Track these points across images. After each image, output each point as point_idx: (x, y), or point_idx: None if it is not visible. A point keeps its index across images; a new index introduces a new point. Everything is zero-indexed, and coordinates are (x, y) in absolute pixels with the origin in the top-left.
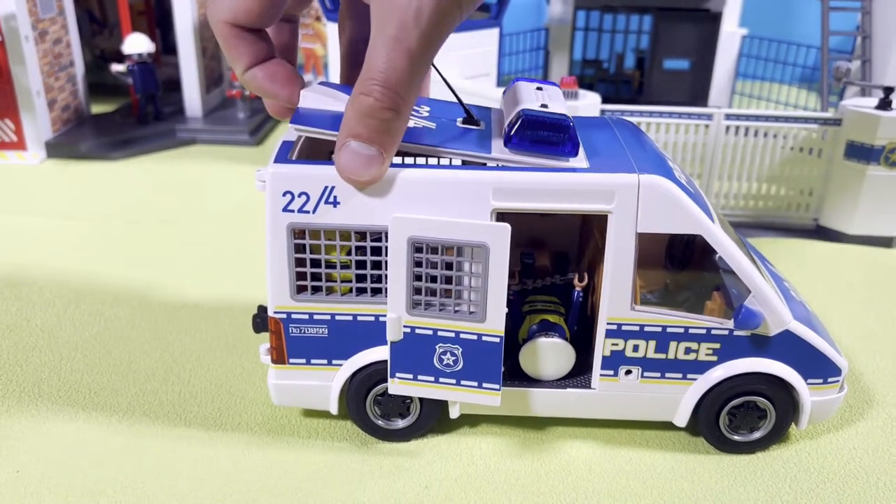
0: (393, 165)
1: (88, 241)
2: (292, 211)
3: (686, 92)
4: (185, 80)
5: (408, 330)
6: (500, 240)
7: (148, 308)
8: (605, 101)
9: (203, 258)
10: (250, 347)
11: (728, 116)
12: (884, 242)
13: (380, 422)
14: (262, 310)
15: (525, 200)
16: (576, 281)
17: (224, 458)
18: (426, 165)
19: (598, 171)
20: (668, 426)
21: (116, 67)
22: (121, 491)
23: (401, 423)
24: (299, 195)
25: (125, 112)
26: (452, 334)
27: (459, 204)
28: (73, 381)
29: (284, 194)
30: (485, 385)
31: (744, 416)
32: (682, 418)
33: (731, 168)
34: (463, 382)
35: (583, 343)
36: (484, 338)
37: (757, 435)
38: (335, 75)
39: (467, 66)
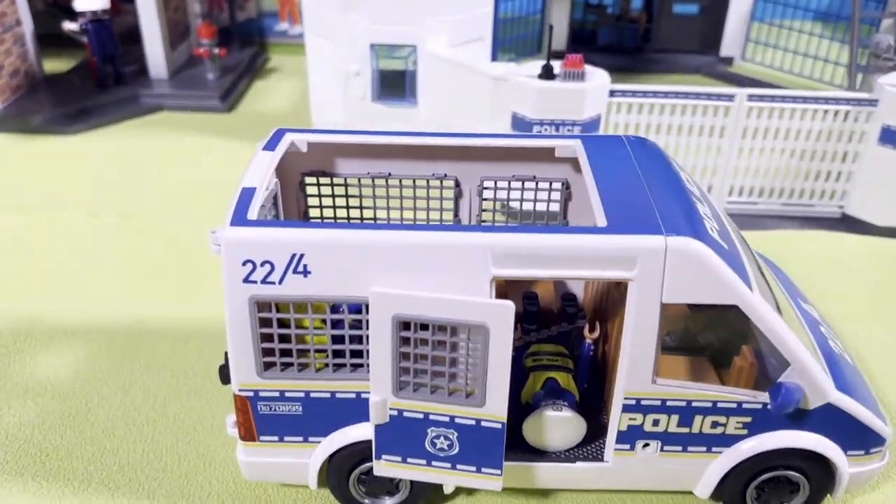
0: (372, 227)
1: (40, 243)
2: (254, 282)
3: (696, 39)
4: (146, 35)
5: (395, 413)
6: (502, 320)
7: (109, 335)
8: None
9: (170, 264)
10: (220, 389)
11: (751, 97)
12: None
13: (366, 500)
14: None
15: (530, 267)
16: (587, 331)
17: None
18: (411, 227)
19: (617, 232)
20: (688, 496)
21: (69, 26)
22: None
23: (388, 501)
24: (262, 264)
25: (82, 73)
26: (447, 418)
27: (452, 272)
28: (21, 439)
29: (244, 263)
30: (484, 470)
31: (774, 491)
32: (704, 491)
33: (750, 153)
34: (459, 466)
35: (594, 400)
36: (483, 423)
37: None
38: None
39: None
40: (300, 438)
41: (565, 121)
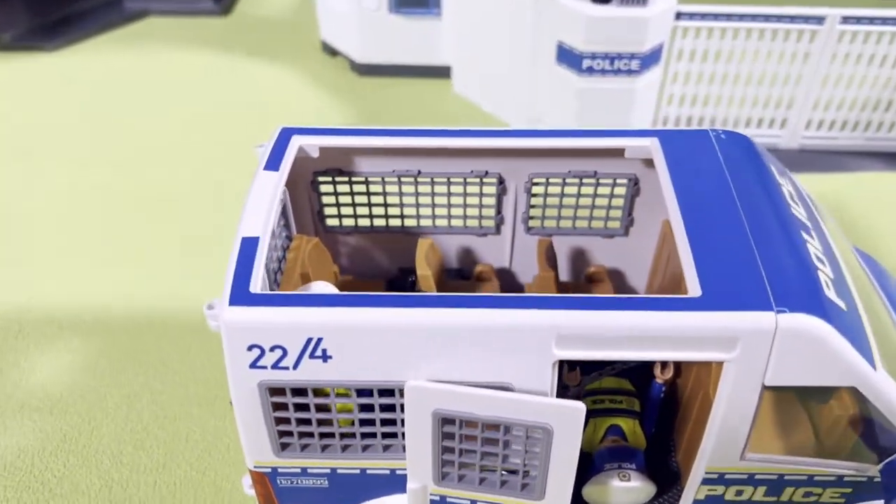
0: (406, 301)
1: (18, 209)
2: (264, 367)
3: None
4: None
5: (437, 499)
6: (570, 423)
7: (106, 330)
8: None
9: (169, 235)
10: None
11: (846, 20)
12: None
13: None
14: None
15: (604, 348)
16: (658, 371)
17: None
18: (455, 301)
19: (714, 307)
20: None
21: None
22: None
23: None
24: (272, 349)
25: None
26: None
27: (506, 355)
28: (22, 470)
29: (251, 348)
30: None
31: None
32: None
33: (837, 82)
34: None
35: (662, 442)
36: None
37: None
38: None
39: None
40: None
41: (622, 53)
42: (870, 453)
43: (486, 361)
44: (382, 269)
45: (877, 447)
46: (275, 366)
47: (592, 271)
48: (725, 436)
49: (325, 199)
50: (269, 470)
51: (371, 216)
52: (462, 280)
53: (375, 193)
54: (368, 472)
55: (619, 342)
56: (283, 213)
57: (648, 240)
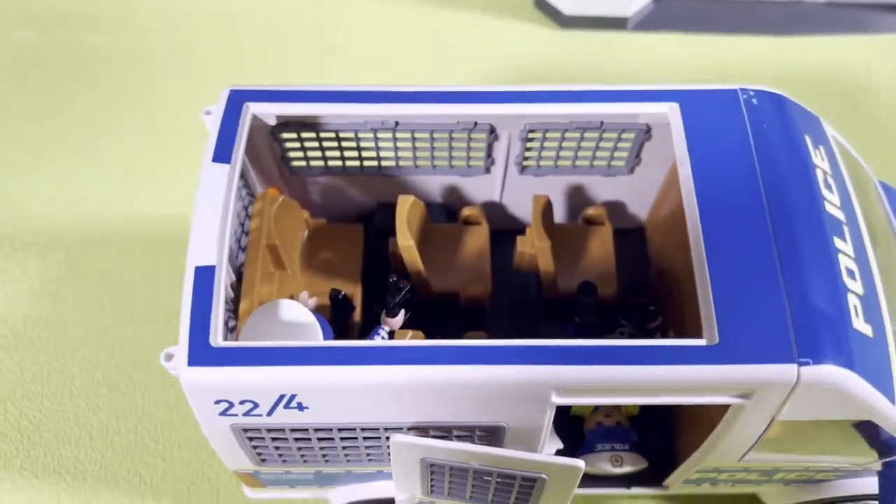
0: (389, 353)
1: None
2: (235, 415)
3: None
4: None
5: (426, 502)
6: (566, 478)
7: (64, 253)
8: None
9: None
10: None
11: None
12: None
13: None
14: None
15: (607, 396)
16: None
17: None
18: (444, 351)
19: (730, 359)
20: None
21: None
22: None
23: None
24: (242, 402)
25: None
26: None
27: (500, 404)
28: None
29: (218, 402)
30: None
31: None
32: (770, 500)
33: None
34: None
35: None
36: None
37: None
38: None
39: None
40: (315, 486)
41: None
42: (870, 451)
43: (479, 409)
44: (358, 206)
45: (878, 446)
46: (247, 413)
47: (591, 213)
48: (725, 449)
49: (289, 145)
50: (252, 471)
51: (343, 159)
52: (448, 223)
53: (347, 139)
54: (354, 472)
55: (624, 393)
56: (242, 175)
57: (654, 177)
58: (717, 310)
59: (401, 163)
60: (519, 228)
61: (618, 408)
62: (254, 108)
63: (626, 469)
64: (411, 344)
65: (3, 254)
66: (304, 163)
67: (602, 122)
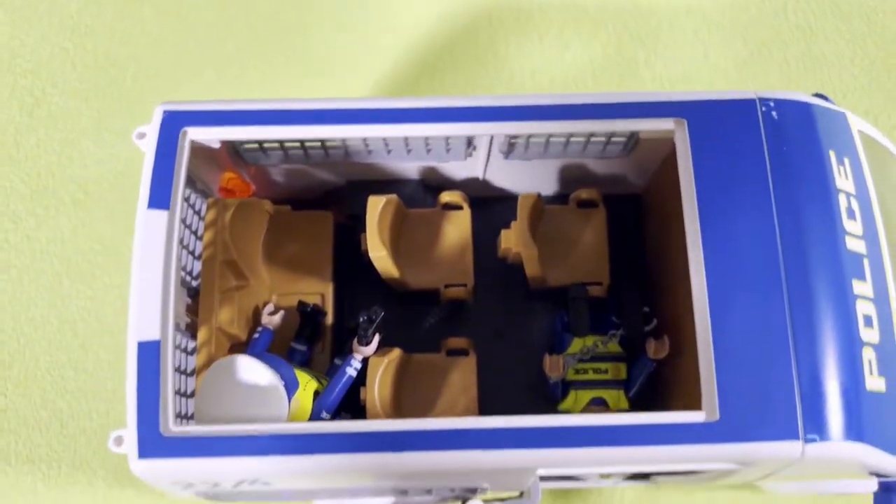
0: (364, 445)
1: None
2: (197, 489)
3: None
4: None
5: None
6: None
7: (6, 216)
8: None
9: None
10: None
11: None
12: None
13: None
14: None
15: (597, 467)
16: (651, 349)
17: None
18: (418, 437)
19: (731, 437)
20: None
21: None
22: None
23: None
24: (202, 482)
25: None
26: None
27: (485, 479)
28: None
29: (175, 484)
30: None
31: None
32: (772, 489)
33: None
34: None
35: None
36: None
37: None
38: None
39: None
40: None
41: None
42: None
43: (461, 481)
44: (326, 184)
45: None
46: (208, 492)
47: (584, 197)
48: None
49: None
50: None
51: (305, 150)
52: (426, 210)
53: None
54: None
55: (614, 467)
56: (189, 178)
57: (652, 155)
58: (719, 384)
59: (370, 147)
60: (503, 196)
61: (608, 407)
62: (192, 134)
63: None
64: (382, 428)
65: None
66: (261, 154)
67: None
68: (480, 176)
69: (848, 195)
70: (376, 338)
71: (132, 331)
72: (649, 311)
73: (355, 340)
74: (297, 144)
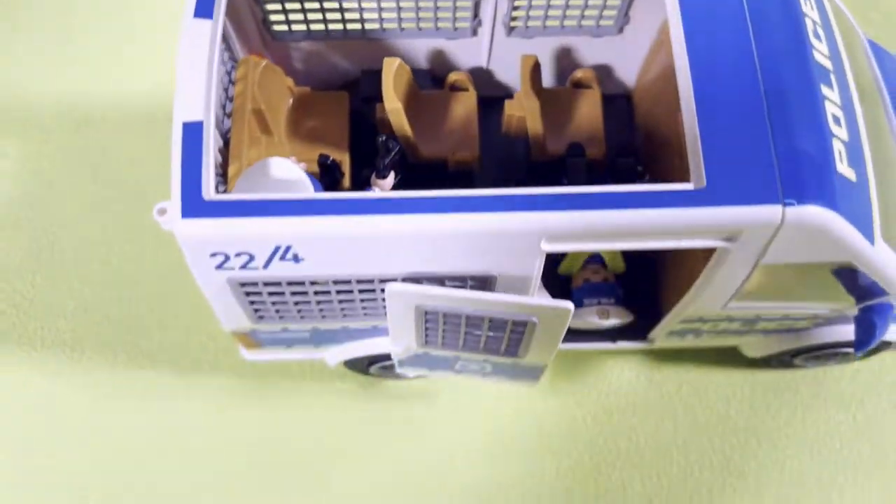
0: (381, 204)
1: None
2: (231, 269)
3: None
4: None
5: (421, 353)
6: (555, 320)
7: (41, 132)
8: None
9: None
10: None
11: None
12: None
13: (389, 380)
14: None
15: (595, 241)
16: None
17: (204, 424)
18: (435, 202)
19: (716, 202)
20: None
21: None
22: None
23: (411, 374)
24: (237, 255)
25: None
26: (481, 358)
27: (490, 253)
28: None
29: (213, 255)
30: (520, 381)
31: (823, 357)
32: (752, 353)
33: None
34: (493, 379)
35: (640, 266)
36: (522, 364)
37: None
38: None
39: None
40: (311, 346)
41: None
42: (849, 297)
43: (470, 258)
44: (342, 74)
45: (856, 292)
46: (243, 267)
47: (580, 76)
48: (709, 296)
49: (270, 7)
50: (249, 330)
51: (326, 21)
52: (434, 90)
53: (329, 0)
54: (350, 327)
55: (612, 238)
56: (223, 35)
57: (643, 38)
58: (704, 154)
59: (385, 25)
60: (507, 94)
61: (604, 265)
62: None
63: (613, 321)
64: (404, 195)
65: None
66: (285, 27)
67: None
68: (485, 64)
69: (814, 22)
70: (392, 174)
71: (177, 113)
72: (643, 169)
73: (373, 175)
74: (319, 17)
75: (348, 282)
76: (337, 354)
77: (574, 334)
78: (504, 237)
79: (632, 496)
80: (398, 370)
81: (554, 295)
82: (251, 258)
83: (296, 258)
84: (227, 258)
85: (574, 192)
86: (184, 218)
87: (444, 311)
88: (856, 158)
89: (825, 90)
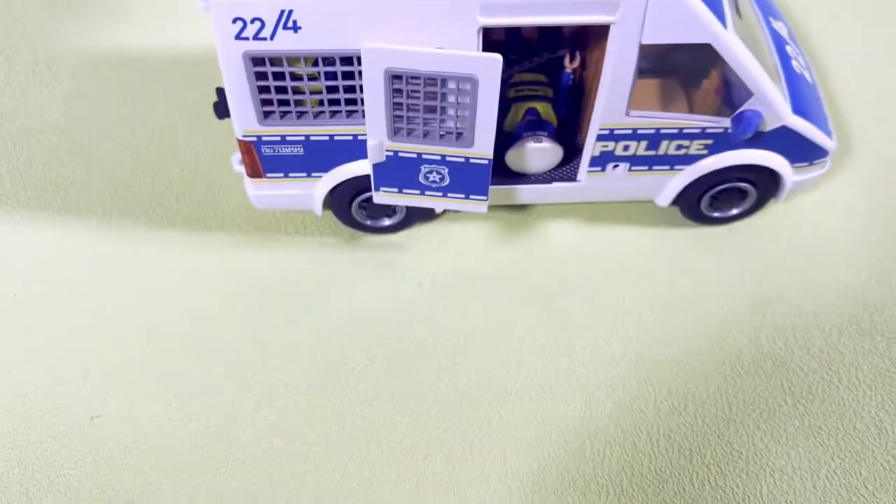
0: None
1: None
2: (246, 38)
3: None
4: None
5: (390, 153)
6: (490, 72)
7: (92, 71)
8: None
9: None
10: (214, 119)
11: None
12: None
13: (367, 221)
14: (222, 92)
15: (516, 14)
16: (567, 62)
17: (219, 265)
18: None
19: None
20: (648, 203)
21: None
22: (122, 306)
23: (387, 222)
24: (252, 21)
25: None
26: (438, 157)
27: (440, 23)
28: (35, 177)
29: (235, 21)
30: (472, 197)
31: (725, 198)
32: (664, 200)
33: None
34: (450, 195)
35: (571, 123)
36: (472, 160)
37: (735, 212)
38: None
39: None
40: (304, 174)
41: None
42: (725, 109)
43: (423, 31)
44: None
45: (730, 104)
46: (255, 37)
47: None
48: (614, 93)
49: None
50: (255, 138)
51: None
52: None
53: None
54: (336, 137)
55: (528, 8)
56: None
57: None
58: None
59: None
60: None
61: (539, 117)
62: None
63: (546, 145)
64: None
65: (41, 68)
66: None
67: None
68: None
69: None
70: None
71: None
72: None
73: None
74: None
75: (334, 62)
76: (324, 185)
77: (515, 177)
78: (447, 3)
79: (573, 315)
80: (375, 200)
81: (499, 145)
82: (262, 25)
83: (295, 26)
84: (244, 25)
85: None
86: None
87: (407, 73)
88: None
89: None
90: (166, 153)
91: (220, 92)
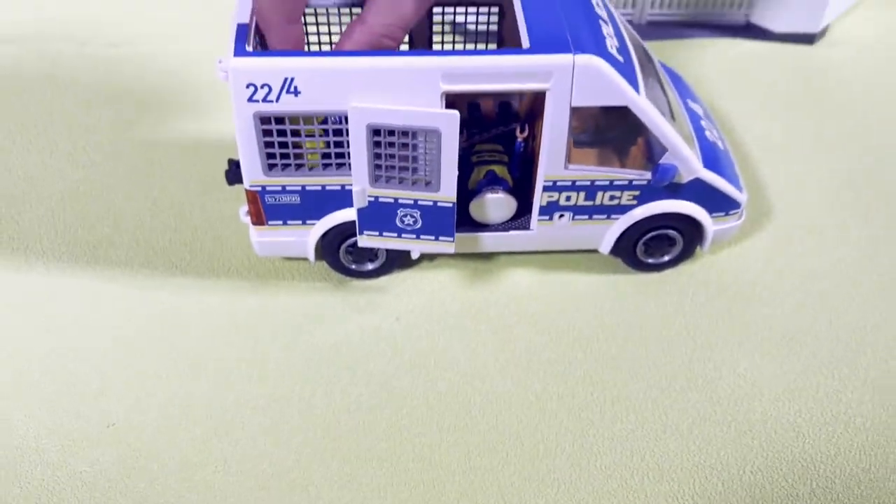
0: (346, 54)
1: (35, 74)
2: (257, 101)
3: None
4: None
5: (372, 199)
6: (450, 125)
7: (121, 151)
8: None
9: (164, 89)
10: (224, 190)
11: None
12: (806, 39)
13: (352, 266)
14: (233, 163)
15: (472, 82)
16: (518, 132)
17: (226, 305)
18: (379, 53)
19: (537, 52)
20: (594, 253)
21: None
22: (140, 337)
23: (370, 266)
24: (262, 87)
25: None
26: (411, 201)
27: (412, 88)
28: (69, 236)
29: (248, 86)
30: (441, 238)
31: (657, 245)
32: (605, 248)
33: None
34: (422, 237)
35: (524, 184)
36: (439, 203)
37: (667, 258)
38: None
39: None
40: (299, 221)
41: None
42: (648, 165)
43: (398, 96)
44: None
45: (652, 160)
46: (264, 99)
47: None
48: (553, 148)
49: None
50: (260, 188)
51: (331, 43)
52: None
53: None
54: (327, 188)
55: (481, 77)
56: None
57: None
58: (528, 33)
59: None
60: None
61: (497, 178)
62: None
63: (501, 195)
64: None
65: (77, 149)
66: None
67: None
68: None
69: (604, 14)
70: None
71: (234, 21)
72: (521, 125)
73: None
74: None
75: (326, 122)
76: (317, 231)
77: (478, 227)
78: (414, 72)
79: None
80: (360, 243)
81: (464, 200)
82: (269, 89)
83: (296, 90)
84: (255, 90)
85: (460, 50)
86: (235, 56)
87: (385, 127)
88: (624, 52)
89: (603, 26)
90: (182, 216)
91: (231, 162)
